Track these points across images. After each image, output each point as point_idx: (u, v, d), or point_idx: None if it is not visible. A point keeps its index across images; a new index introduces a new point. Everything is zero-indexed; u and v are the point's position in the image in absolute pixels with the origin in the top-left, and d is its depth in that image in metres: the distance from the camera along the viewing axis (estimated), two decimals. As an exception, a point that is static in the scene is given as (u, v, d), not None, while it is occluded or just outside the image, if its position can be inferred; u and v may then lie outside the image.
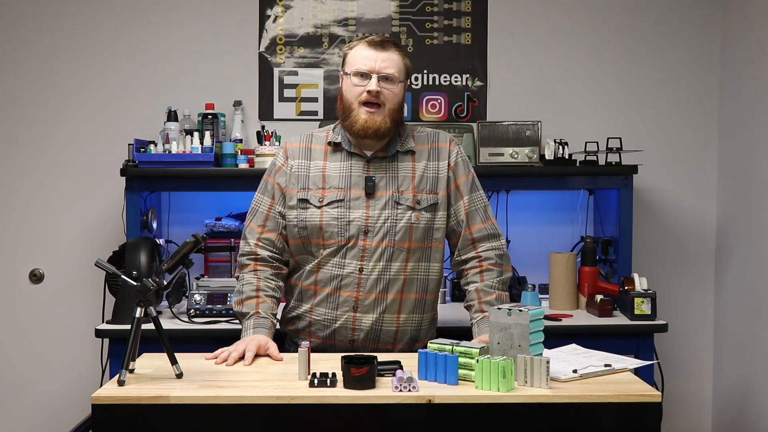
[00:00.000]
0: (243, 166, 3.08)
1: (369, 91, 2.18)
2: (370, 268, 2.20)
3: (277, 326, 2.26)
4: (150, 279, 1.86)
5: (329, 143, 2.29)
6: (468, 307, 2.29)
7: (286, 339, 2.37)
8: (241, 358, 2.03)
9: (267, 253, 2.27)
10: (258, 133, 3.18)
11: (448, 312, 2.88)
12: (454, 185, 2.29)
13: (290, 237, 2.27)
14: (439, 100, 3.42)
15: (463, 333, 2.36)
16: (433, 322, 2.37)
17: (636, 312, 2.81)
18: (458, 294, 3.22)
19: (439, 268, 2.31)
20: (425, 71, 3.42)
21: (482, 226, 2.29)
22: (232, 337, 2.21)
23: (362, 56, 2.21)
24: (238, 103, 3.31)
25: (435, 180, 2.27)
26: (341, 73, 2.28)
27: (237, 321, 2.67)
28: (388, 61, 2.21)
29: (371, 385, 1.75)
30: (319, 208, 2.22)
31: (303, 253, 2.26)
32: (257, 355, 2.05)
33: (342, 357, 1.79)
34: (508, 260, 2.33)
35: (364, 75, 2.20)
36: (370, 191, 2.22)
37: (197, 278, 3.07)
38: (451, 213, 2.29)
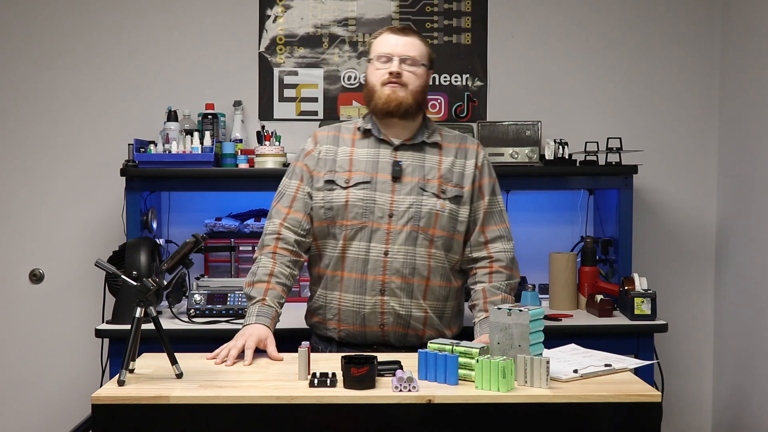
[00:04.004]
0: (243, 166, 3.08)
1: (391, 72, 2.24)
2: (395, 251, 2.21)
3: (281, 316, 2.23)
4: (150, 279, 1.86)
5: (359, 129, 2.33)
6: (472, 307, 2.30)
7: (312, 337, 2.36)
8: (242, 355, 2.03)
9: (291, 234, 2.27)
10: (258, 133, 3.18)
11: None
12: (478, 184, 2.32)
13: (315, 219, 2.28)
14: (439, 100, 3.42)
15: (464, 333, 2.36)
16: (459, 312, 2.38)
17: (636, 312, 2.82)
18: (459, 294, 3.22)
19: (461, 261, 2.32)
20: (425, 71, 3.42)
21: (496, 228, 2.32)
22: (232, 337, 2.21)
23: (384, 42, 2.29)
24: (238, 103, 3.31)
25: (461, 175, 2.30)
26: (367, 61, 2.35)
27: (237, 321, 2.67)
28: (410, 45, 2.28)
29: (371, 385, 1.75)
30: (345, 189, 2.25)
31: (326, 237, 2.27)
32: (258, 351, 2.05)
33: (342, 357, 1.80)
34: (517, 266, 2.35)
35: (387, 58, 2.26)
36: (397, 175, 2.25)
37: (197, 278, 3.07)
38: (471, 210, 2.31)
